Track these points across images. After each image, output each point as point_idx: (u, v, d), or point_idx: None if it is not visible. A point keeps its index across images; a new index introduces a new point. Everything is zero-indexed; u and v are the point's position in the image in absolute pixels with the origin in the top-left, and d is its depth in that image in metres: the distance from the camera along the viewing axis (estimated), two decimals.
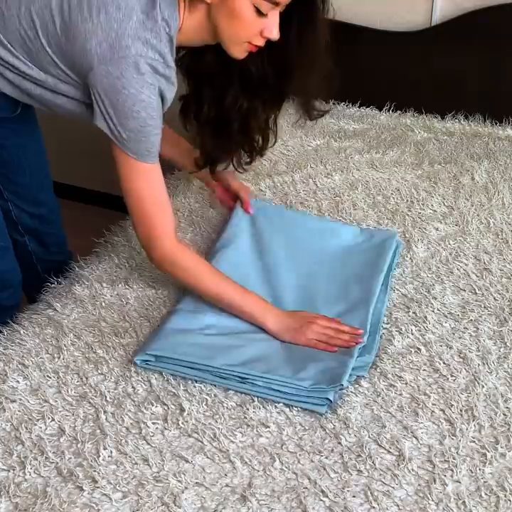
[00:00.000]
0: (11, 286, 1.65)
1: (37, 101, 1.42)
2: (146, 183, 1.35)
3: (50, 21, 1.29)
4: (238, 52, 1.34)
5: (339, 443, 1.16)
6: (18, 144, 1.62)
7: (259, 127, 1.52)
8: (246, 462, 1.13)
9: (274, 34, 1.30)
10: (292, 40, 1.35)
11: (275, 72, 1.42)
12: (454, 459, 1.13)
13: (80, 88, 1.33)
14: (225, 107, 1.45)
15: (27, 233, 1.77)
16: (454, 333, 1.39)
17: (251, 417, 1.21)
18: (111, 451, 1.15)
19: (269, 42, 1.32)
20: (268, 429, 1.19)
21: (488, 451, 1.14)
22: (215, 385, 1.27)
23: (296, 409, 1.23)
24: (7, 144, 1.60)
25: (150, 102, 1.26)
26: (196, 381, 1.28)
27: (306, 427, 1.20)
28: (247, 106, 1.46)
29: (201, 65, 1.44)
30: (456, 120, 2.22)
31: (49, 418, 1.22)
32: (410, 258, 1.61)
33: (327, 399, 1.22)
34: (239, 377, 1.26)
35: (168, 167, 2.10)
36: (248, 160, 1.61)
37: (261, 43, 1.32)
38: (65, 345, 1.38)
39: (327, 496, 1.07)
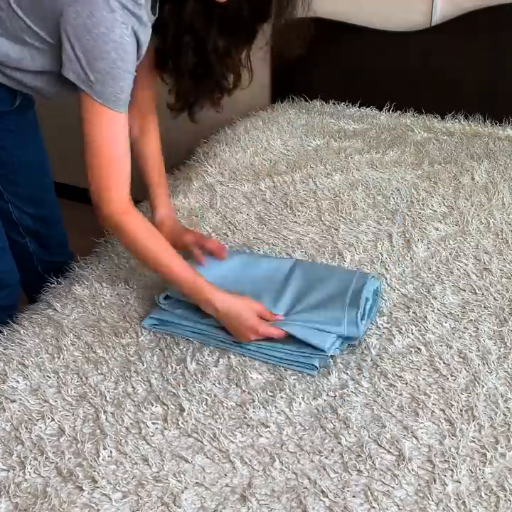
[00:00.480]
0: (9, 285, 1.64)
1: (20, 84, 1.41)
2: (108, 131, 1.31)
3: None
4: None
5: (339, 443, 1.16)
6: (18, 144, 1.62)
7: (235, 66, 1.46)
8: (246, 462, 1.13)
9: None
10: None
11: (252, 10, 1.37)
12: (454, 459, 1.13)
13: (55, 53, 1.30)
14: (207, 52, 1.39)
15: (28, 235, 1.76)
16: (454, 333, 1.39)
17: (251, 417, 1.21)
18: (111, 451, 1.15)
19: None
20: (268, 429, 1.19)
21: (488, 451, 1.14)
22: (215, 384, 1.28)
23: (296, 409, 1.23)
24: (7, 145, 1.60)
25: (121, 42, 1.23)
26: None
27: (306, 427, 1.20)
28: (225, 47, 1.40)
29: (183, 13, 1.39)
30: (456, 120, 2.22)
31: (49, 418, 1.22)
32: (410, 258, 1.61)
33: (313, 365, 1.30)
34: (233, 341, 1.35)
35: (168, 166, 2.10)
36: (220, 96, 1.52)
37: None
38: (64, 345, 1.38)
39: (327, 496, 1.07)
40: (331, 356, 1.32)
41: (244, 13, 1.37)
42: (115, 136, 1.33)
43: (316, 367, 1.30)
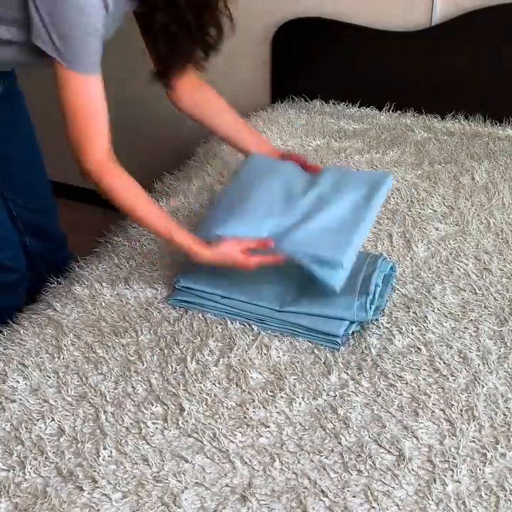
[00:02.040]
0: (18, 270, 1.68)
1: None
2: (80, 94, 1.32)
3: None
4: None
5: (339, 443, 1.16)
6: (11, 137, 1.65)
7: (214, 18, 1.45)
8: (246, 462, 1.13)
9: None
10: None
11: None
12: (454, 459, 1.13)
13: (24, 24, 1.32)
14: (179, 7, 1.38)
15: (27, 231, 1.78)
16: (454, 333, 1.39)
17: (251, 417, 1.21)
18: (111, 451, 1.15)
19: None
20: (268, 429, 1.19)
21: (488, 451, 1.14)
22: (215, 384, 1.28)
23: (296, 409, 1.23)
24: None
25: (84, 6, 1.24)
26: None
27: (306, 427, 1.20)
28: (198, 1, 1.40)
29: None
30: (456, 120, 2.22)
31: (49, 418, 1.22)
32: (410, 258, 1.61)
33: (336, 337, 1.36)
34: (257, 314, 1.42)
35: (168, 166, 2.10)
36: (205, 55, 1.54)
37: None
38: (65, 345, 1.38)
39: (327, 496, 1.07)
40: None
41: None
42: (88, 97, 1.34)
43: (338, 337, 1.36)
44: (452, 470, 1.11)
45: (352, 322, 1.39)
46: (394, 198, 1.83)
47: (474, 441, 1.16)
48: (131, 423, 1.21)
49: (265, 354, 1.35)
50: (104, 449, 1.16)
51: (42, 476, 1.12)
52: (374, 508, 1.06)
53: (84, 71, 1.30)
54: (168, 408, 1.23)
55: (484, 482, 1.09)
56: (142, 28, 1.47)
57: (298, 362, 1.33)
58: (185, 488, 1.09)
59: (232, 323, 1.43)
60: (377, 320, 1.42)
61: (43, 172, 1.81)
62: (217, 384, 1.28)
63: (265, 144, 1.71)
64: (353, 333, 1.39)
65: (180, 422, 1.20)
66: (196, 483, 1.10)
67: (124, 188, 1.40)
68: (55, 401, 1.25)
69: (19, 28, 1.34)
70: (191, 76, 1.59)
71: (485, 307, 1.45)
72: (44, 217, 1.82)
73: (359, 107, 2.34)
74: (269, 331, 1.41)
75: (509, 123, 2.17)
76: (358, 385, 1.27)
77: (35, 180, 1.79)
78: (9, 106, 1.64)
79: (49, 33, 1.27)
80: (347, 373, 1.30)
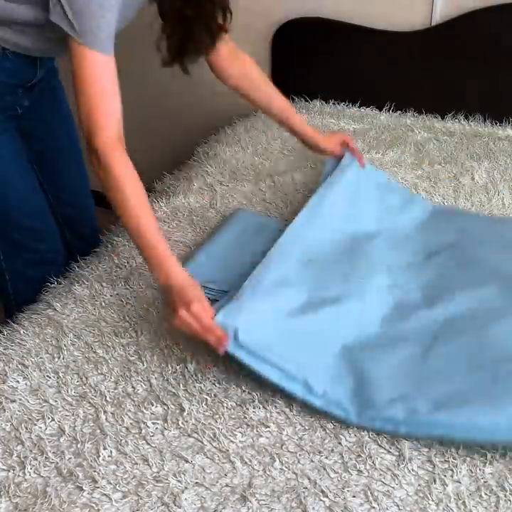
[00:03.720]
0: (54, 262, 1.70)
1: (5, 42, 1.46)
2: (93, 72, 1.32)
3: None
4: None
5: (339, 443, 1.16)
6: (52, 135, 1.69)
7: (220, 2, 1.50)
8: (246, 462, 1.13)
9: None
10: None
11: None
12: (454, 459, 1.13)
13: (44, 3, 1.35)
14: None
15: (64, 224, 1.81)
16: None
17: (251, 417, 1.21)
18: (111, 451, 1.15)
19: None
20: (268, 429, 1.19)
21: (488, 451, 1.14)
22: (215, 384, 1.28)
23: (296, 409, 1.23)
24: (43, 136, 1.67)
25: None
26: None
27: (306, 427, 1.19)
28: None
29: None
30: (456, 120, 2.22)
31: (49, 418, 1.22)
32: None
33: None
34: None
35: (168, 166, 2.10)
36: (210, 42, 1.57)
37: None
38: (65, 345, 1.38)
39: (327, 496, 1.07)
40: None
41: None
42: (102, 75, 1.34)
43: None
44: (452, 470, 1.11)
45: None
46: None
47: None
48: (131, 423, 1.21)
49: None
50: (104, 449, 1.16)
51: (42, 476, 1.12)
52: (374, 508, 1.06)
53: (99, 49, 1.31)
54: (168, 408, 1.23)
55: (484, 482, 1.09)
56: (160, 14, 1.49)
57: None
58: (185, 488, 1.09)
59: None
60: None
61: (83, 166, 1.84)
62: (217, 384, 1.28)
63: (307, 132, 1.76)
64: None
65: (180, 422, 1.20)
66: (196, 483, 1.10)
67: (125, 177, 1.31)
68: (55, 401, 1.25)
69: (38, 7, 1.37)
70: (228, 44, 1.63)
71: None
72: (82, 212, 1.85)
73: (359, 107, 2.35)
74: None
75: (509, 123, 2.17)
76: None
77: (77, 183, 1.83)
78: (51, 102, 1.67)
79: (64, 9, 1.29)
80: None
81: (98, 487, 1.09)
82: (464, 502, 1.06)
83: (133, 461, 1.14)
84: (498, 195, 1.82)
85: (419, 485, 1.09)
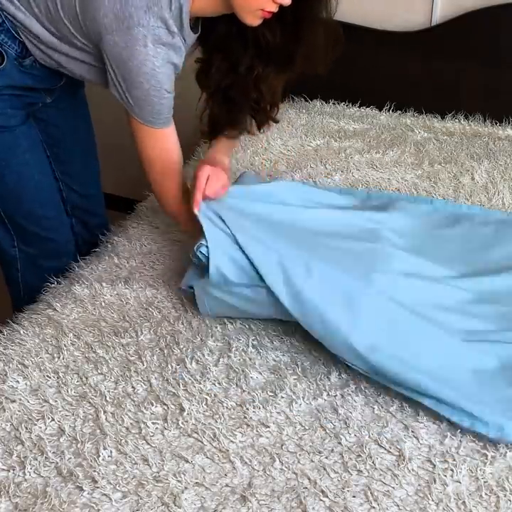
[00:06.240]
0: (67, 254, 1.72)
1: (58, 66, 1.48)
2: (157, 147, 1.44)
3: None
4: (252, 19, 1.35)
5: (339, 443, 1.16)
6: (69, 123, 1.70)
7: (271, 94, 1.55)
8: (246, 462, 1.13)
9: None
10: (302, 4, 1.37)
11: (286, 36, 1.43)
12: (454, 459, 1.13)
13: (97, 55, 1.38)
14: (239, 75, 1.47)
15: (73, 214, 1.81)
16: None
17: (251, 417, 1.21)
18: (111, 451, 1.15)
19: (281, 7, 1.33)
20: (268, 429, 1.19)
21: (488, 451, 1.14)
22: (215, 384, 1.28)
23: (296, 409, 1.23)
24: (59, 123, 1.67)
25: (153, 74, 1.31)
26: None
27: (306, 427, 1.19)
28: (260, 73, 1.48)
29: (213, 35, 1.47)
30: (456, 120, 2.22)
31: (49, 418, 1.22)
32: None
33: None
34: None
35: None
36: (258, 128, 1.63)
37: (274, 8, 1.33)
38: (65, 345, 1.38)
39: (327, 496, 1.07)
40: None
41: (277, 37, 1.41)
42: (163, 150, 1.45)
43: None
44: (452, 470, 1.11)
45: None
46: None
47: (474, 441, 1.16)
48: (131, 423, 1.21)
49: (265, 354, 1.35)
50: (104, 449, 1.16)
51: (42, 476, 1.12)
52: (374, 508, 1.06)
53: (155, 126, 1.39)
54: (168, 408, 1.23)
55: (484, 482, 1.09)
56: (198, 74, 1.56)
57: (298, 362, 1.33)
58: (185, 488, 1.09)
59: (231, 323, 1.43)
60: None
61: (98, 162, 1.85)
62: (217, 384, 1.28)
63: (214, 159, 1.65)
64: None
65: (180, 422, 1.20)
66: (196, 483, 1.10)
67: (186, 224, 1.55)
68: (55, 401, 1.25)
69: (91, 56, 1.41)
70: None
71: None
72: (92, 202, 1.85)
73: (359, 107, 2.34)
74: (269, 331, 1.41)
75: (509, 123, 2.17)
76: (358, 385, 1.27)
77: (90, 173, 1.84)
78: (72, 98, 1.69)
79: (124, 94, 1.35)
80: (347, 373, 1.30)
81: (98, 487, 1.09)
82: (464, 502, 1.06)
83: (133, 461, 1.14)
84: (498, 195, 1.82)
85: (419, 485, 1.09)
